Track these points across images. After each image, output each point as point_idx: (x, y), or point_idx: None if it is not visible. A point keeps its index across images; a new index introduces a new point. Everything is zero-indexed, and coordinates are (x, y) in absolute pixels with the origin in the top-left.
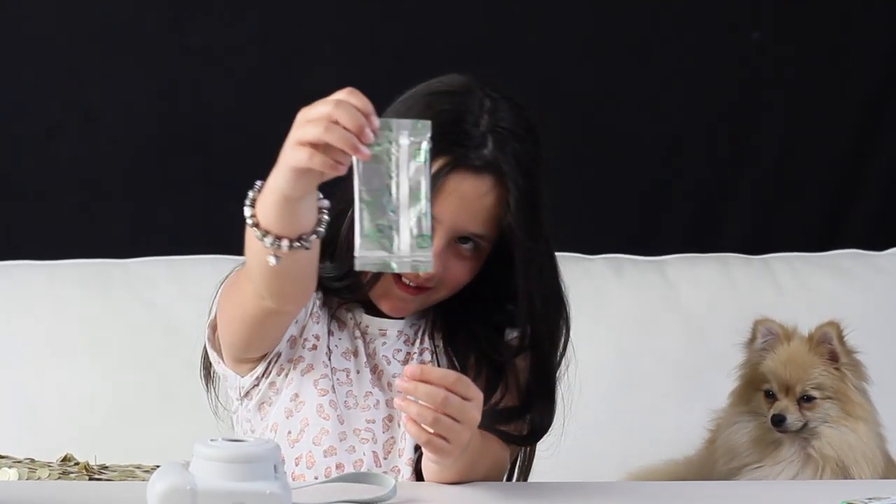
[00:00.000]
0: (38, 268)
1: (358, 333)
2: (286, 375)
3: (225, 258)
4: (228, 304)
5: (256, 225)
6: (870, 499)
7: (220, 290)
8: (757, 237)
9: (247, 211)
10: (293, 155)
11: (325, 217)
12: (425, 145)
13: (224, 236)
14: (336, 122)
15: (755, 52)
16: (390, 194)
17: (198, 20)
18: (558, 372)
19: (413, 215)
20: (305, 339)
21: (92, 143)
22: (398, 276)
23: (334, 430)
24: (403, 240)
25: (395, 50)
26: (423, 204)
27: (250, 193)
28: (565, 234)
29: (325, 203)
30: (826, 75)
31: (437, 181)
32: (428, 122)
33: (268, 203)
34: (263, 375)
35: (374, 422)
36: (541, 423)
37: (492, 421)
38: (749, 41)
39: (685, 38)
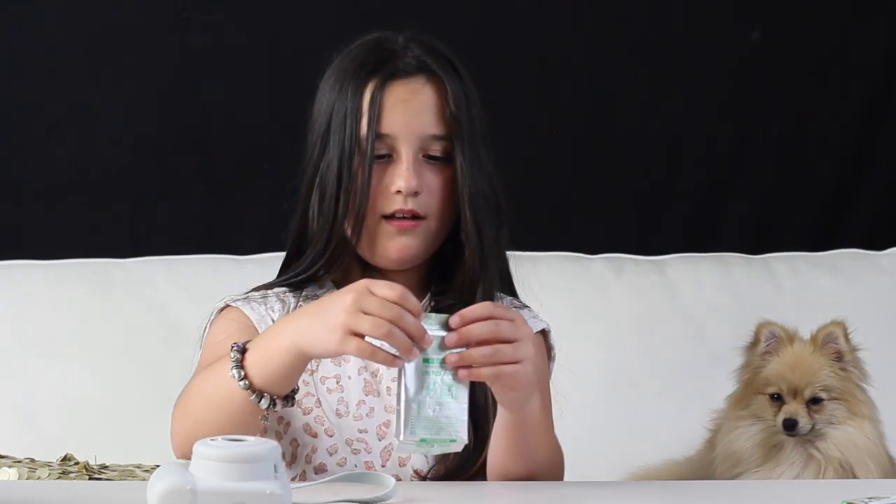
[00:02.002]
0: (38, 268)
1: None
2: None
3: (225, 258)
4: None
5: (250, 386)
6: (870, 499)
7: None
8: (757, 237)
9: (236, 374)
10: (349, 345)
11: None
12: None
13: (224, 236)
14: (397, 325)
15: (755, 52)
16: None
17: (198, 20)
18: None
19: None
20: None
21: (92, 143)
22: (391, 216)
23: (322, 446)
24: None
25: None
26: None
27: (235, 359)
28: (565, 234)
29: None
30: (826, 75)
31: (375, 100)
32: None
33: (275, 366)
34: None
35: (366, 431)
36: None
37: None
38: (749, 41)
39: (685, 38)
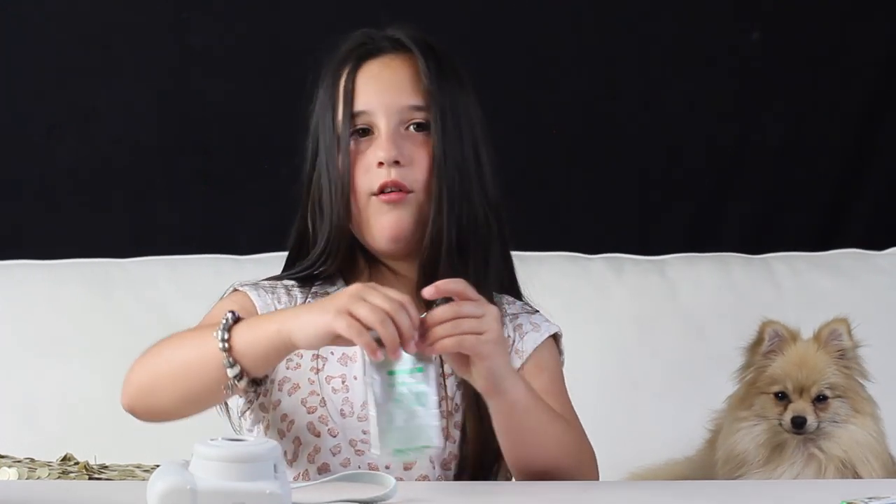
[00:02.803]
0: (38, 268)
1: None
2: (271, 397)
3: (225, 258)
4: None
5: (228, 350)
6: (870, 498)
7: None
8: (757, 237)
9: (219, 334)
10: (341, 322)
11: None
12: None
13: (224, 236)
14: (392, 319)
15: (755, 52)
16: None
17: (198, 20)
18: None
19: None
20: (289, 359)
21: (92, 143)
22: (379, 191)
23: (326, 446)
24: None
25: None
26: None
27: (226, 320)
28: (565, 234)
29: None
30: (826, 75)
31: (349, 82)
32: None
33: (259, 340)
34: (255, 398)
35: (369, 432)
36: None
37: None
38: (749, 41)
39: (685, 38)
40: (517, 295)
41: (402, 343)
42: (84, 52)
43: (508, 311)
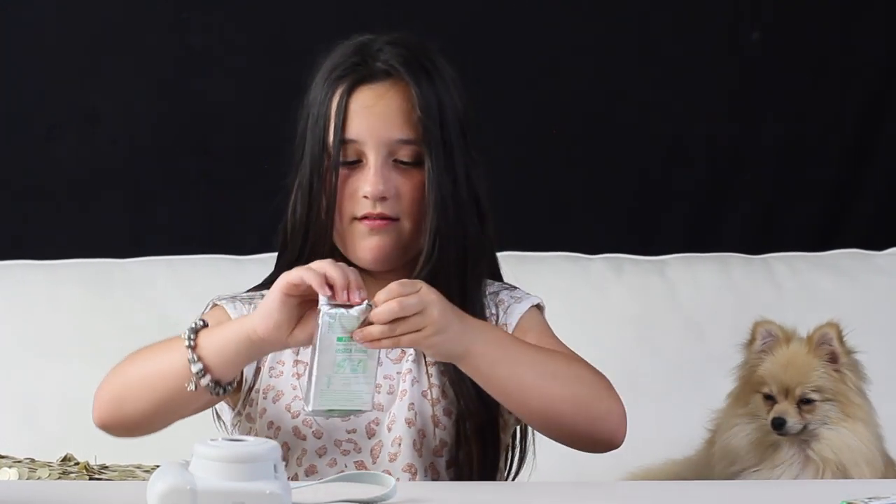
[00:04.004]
0: (38, 268)
1: None
2: (257, 406)
3: (225, 258)
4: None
5: (192, 348)
6: (870, 499)
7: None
8: (757, 237)
9: (185, 334)
10: (290, 274)
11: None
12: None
13: (224, 236)
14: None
15: (755, 52)
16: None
17: (198, 20)
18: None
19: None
20: (272, 368)
21: (92, 143)
22: (364, 217)
23: (312, 448)
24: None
25: None
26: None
27: (194, 324)
28: (565, 234)
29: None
30: (826, 75)
31: (341, 107)
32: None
33: (225, 338)
34: (242, 408)
35: (354, 431)
36: None
37: None
38: (749, 41)
39: (685, 38)
40: (498, 277)
41: (349, 289)
42: (84, 52)
43: (488, 292)
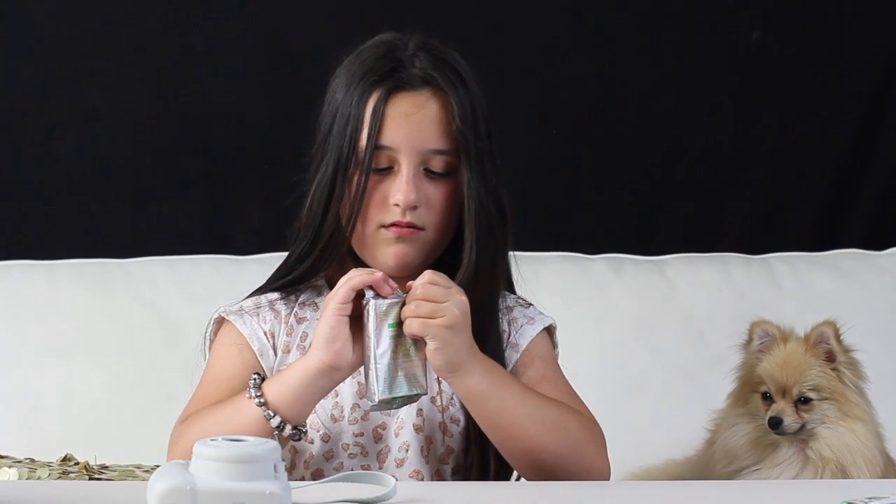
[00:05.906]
0: (38, 268)
1: None
2: None
3: (225, 258)
4: None
5: (264, 405)
6: (870, 499)
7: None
8: (757, 237)
9: (251, 393)
10: (331, 300)
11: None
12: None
13: (224, 236)
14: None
15: (755, 52)
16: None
17: (198, 20)
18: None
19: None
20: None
21: (92, 143)
22: (392, 224)
23: (319, 452)
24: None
25: None
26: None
27: (253, 380)
28: (565, 234)
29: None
30: (826, 75)
31: (378, 112)
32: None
33: (288, 383)
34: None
35: (361, 435)
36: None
37: None
38: (749, 41)
39: (685, 38)
40: (511, 290)
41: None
42: (84, 52)
43: (503, 305)
